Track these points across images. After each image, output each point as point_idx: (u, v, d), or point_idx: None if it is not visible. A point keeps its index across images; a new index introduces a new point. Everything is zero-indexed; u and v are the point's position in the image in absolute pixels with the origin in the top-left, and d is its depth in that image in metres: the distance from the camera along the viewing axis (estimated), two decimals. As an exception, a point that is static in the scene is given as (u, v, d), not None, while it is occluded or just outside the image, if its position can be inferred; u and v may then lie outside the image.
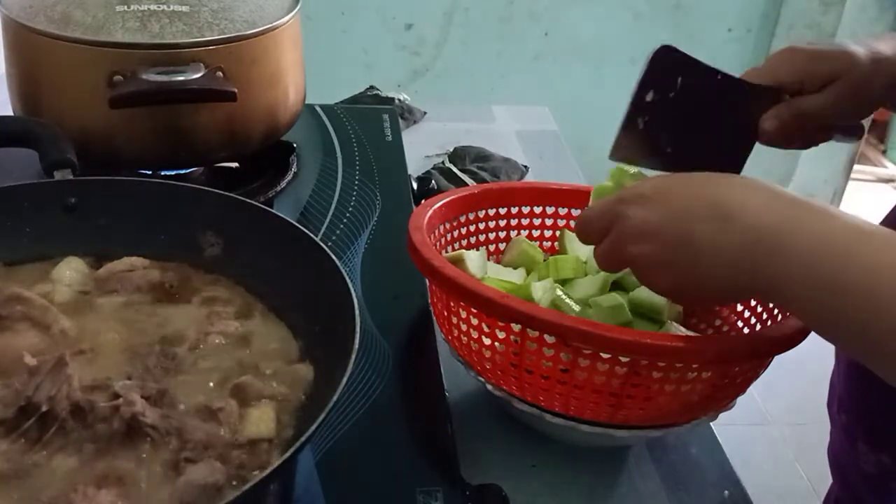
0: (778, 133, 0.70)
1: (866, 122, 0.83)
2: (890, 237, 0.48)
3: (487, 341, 0.67)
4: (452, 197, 0.81)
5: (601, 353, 0.61)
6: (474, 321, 0.66)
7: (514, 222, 0.86)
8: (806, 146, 0.73)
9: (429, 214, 0.75)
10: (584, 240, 0.63)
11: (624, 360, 0.61)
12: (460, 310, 0.67)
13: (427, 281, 0.75)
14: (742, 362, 0.64)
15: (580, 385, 0.63)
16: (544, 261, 0.80)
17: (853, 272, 0.47)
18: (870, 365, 0.49)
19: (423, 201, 0.78)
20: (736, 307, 0.76)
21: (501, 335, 0.65)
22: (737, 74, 0.70)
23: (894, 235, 0.48)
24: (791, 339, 0.63)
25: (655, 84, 0.63)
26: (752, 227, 0.52)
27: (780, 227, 0.51)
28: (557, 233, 0.86)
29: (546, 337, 0.62)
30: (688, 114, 0.66)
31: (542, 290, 0.75)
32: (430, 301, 0.76)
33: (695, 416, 0.67)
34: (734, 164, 0.72)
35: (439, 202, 0.78)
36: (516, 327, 0.63)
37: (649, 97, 0.62)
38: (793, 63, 0.70)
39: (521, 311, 0.61)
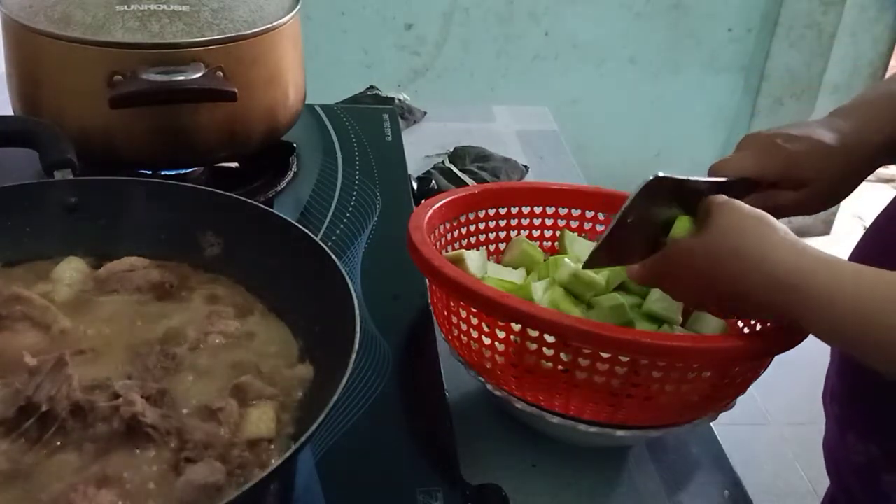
0: None
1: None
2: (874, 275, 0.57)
3: (487, 341, 0.67)
4: (452, 197, 0.81)
5: (601, 353, 0.61)
6: (474, 321, 0.66)
7: (514, 222, 0.86)
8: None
9: (429, 214, 0.75)
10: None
11: (624, 359, 0.61)
12: (460, 309, 0.67)
13: (427, 281, 0.75)
14: (741, 362, 0.64)
15: (580, 385, 0.63)
16: (544, 261, 0.80)
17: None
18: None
19: (423, 201, 0.78)
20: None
21: (501, 335, 0.65)
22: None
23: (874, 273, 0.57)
24: (789, 340, 0.63)
25: (639, 209, 0.64)
26: (772, 277, 0.59)
27: (799, 279, 0.58)
28: (557, 233, 0.86)
29: (546, 336, 0.62)
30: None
31: (542, 290, 0.75)
32: (430, 301, 0.76)
33: (695, 416, 0.67)
34: None
35: (439, 202, 0.78)
36: (516, 327, 0.63)
37: (630, 219, 0.64)
38: (769, 162, 0.72)
39: (522, 311, 0.62)
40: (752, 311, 0.66)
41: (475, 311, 0.66)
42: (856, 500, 0.80)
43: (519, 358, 0.65)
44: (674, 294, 0.67)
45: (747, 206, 0.63)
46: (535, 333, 0.62)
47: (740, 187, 0.71)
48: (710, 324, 0.75)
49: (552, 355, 0.63)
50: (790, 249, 0.59)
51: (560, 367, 0.63)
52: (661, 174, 0.63)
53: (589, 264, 0.66)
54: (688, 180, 0.66)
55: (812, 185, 0.72)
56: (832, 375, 0.83)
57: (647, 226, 0.66)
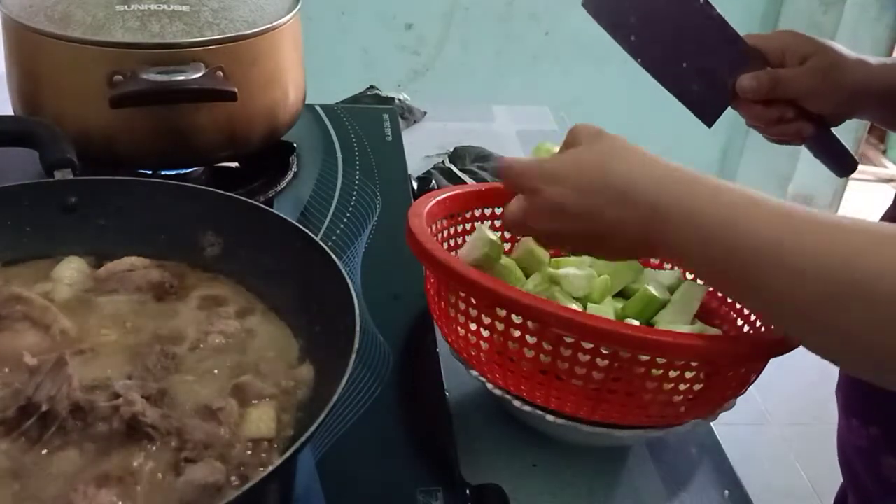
0: (753, 94, 0.77)
1: (864, 128, 0.88)
2: (775, 208, 0.52)
3: (474, 327, 0.67)
4: (457, 192, 0.81)
5: (582, 343, 0.61)
6: (462, 306, 0.66)
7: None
8: (783, 140, 0.81)
9: (430, 205, 0.75)
10: (505, 184, 0.65)
11: (606, 352, 0.61)
12: (449, 295, 0.67)
13: (424, 271, 0.75)
14: (727, 364, 0.64)
15: (562, 376, 0.63)
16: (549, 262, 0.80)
17: (738, 240, 0.52)
18: (764, 316, 0.57)
19: (426, 193, 0.79)
20: (741, 310, 0.76)
21: (487, 321, 0.65)
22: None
23: (779, 206, 0.53)
24: (777, 346, 0.62)
25: None
26: (648, 203, 0.56)
27: (673, 203, 0.55)
28: None
29: (529, 324, 0.62)
30: (665, 21, 0.69)
31: (532, 284, 0.75)
32: (425, 288, 0.76)
33: (681, 417, 0.67)
34: (707, 114, 0.75)
35: (443, 195, 0.78)
36: (501, 313, 0.63)
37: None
38: (780, 37, 0.81)
39: (506, 296, 0.61)
40: (615, 222, 0.59)
41: (463, 295, 0.66)
42: (863, 491, 0.80)
43: (503, 346, 0.65)
44: (544, 235, 0.64)
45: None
46: (518, 320, 0.62)
47: (744, 56, 0.77)
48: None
49: (534, 343, 0.63)
50: (682, 167, 0.58)
51: (542, 356, 0.63)
52: None
53: (586, 2, 0.67)
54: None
55: (811, 59, 0.78)
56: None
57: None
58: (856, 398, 0.80)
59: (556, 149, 0.68)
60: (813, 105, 0.79)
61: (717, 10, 0.72)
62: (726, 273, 0.54)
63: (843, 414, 0.82)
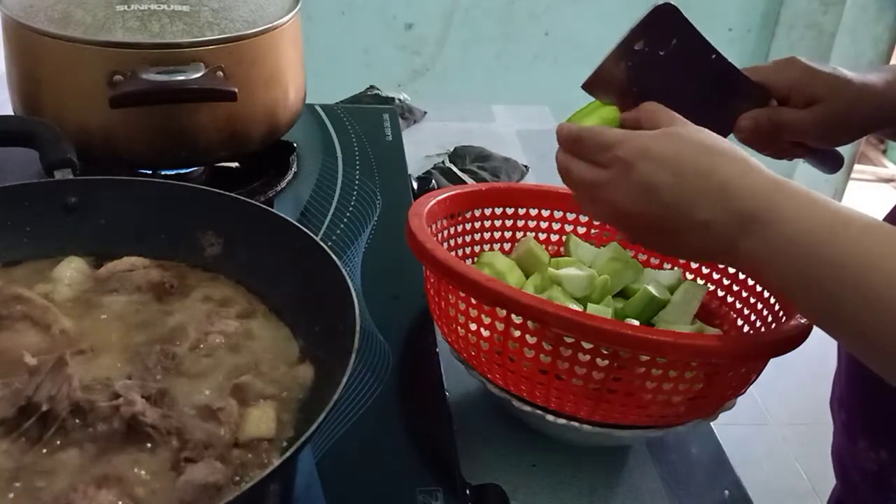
0: (751, 135, 0.72)
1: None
2: (865, 225, 0.51)
3: (474, 327, 0.67)
4: (457, 191, 0.81)
5: (582, 343, 0.61)
6: (462, 306, 0.66)
7: (520, 223, 0.86)
8: (778, 157, 0.76)
9: (430, 204, 0.75)
10: (573, 150, 0.62)
11: (606, 351, 0.61)
12: (449, 295, 0.67)
13: (424, 270, 0.75)
14: (727, 364, 0.63)
15: (562, 376, 0.63)
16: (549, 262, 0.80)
17: (831, 254, 0.50)
18: (841, 338, 0.53)
19: (426, 193, 0.79)
20: (741, 310, 0.76)
21: (487, 320, 0.65)
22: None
23: (870, 223, 0.51)
24: (777, 346, 0.62)
25: (648, 36, 0.63)
26: (745, 210, 0.54)
27: (766, 212, 0.53)
28: (564, 237, 0.86)
29: (529, 324, 0.62)
30: (671, 78, 0.66)
31: (532, 284, 0.75)
32: (425, 288, 0.76)
33: (682, 418, 0.67)
34: None
35: (443, 195, 0.78)
36: (501, 312, 0.63)
37: (638, 46, 0.63)
38: (787, 71, 0.73)
39: (505, 295, 0.61)
40: (705, 218, 0.56)
41: (463, 295, 0.66)
42: (864, 501, 0.80)
43: (503, 345, 0.65)
44: (623, 214, 0.60)
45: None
46: (518, 320, 0.62)
47: (749, 94, 0.72)
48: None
49: (535, 343, 0.63)
50: (761, 173, 0.55)
51: (542, 356, 0.63)
52: (674, 4, 0.64)
53: (587, 85, 0.64)
54: (700, 33, 0.66)
55: (820, 104, 0.72)
56: (840, 381, 0.82)
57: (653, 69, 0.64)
58: (863, 418, 0.78)
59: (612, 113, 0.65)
60: (816, 143, 0.76)
61: (724, 56, 0.70)
62: (815, 292, 0.52)
63: (846, 433, 0.81)
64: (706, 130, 0.59)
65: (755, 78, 0.73)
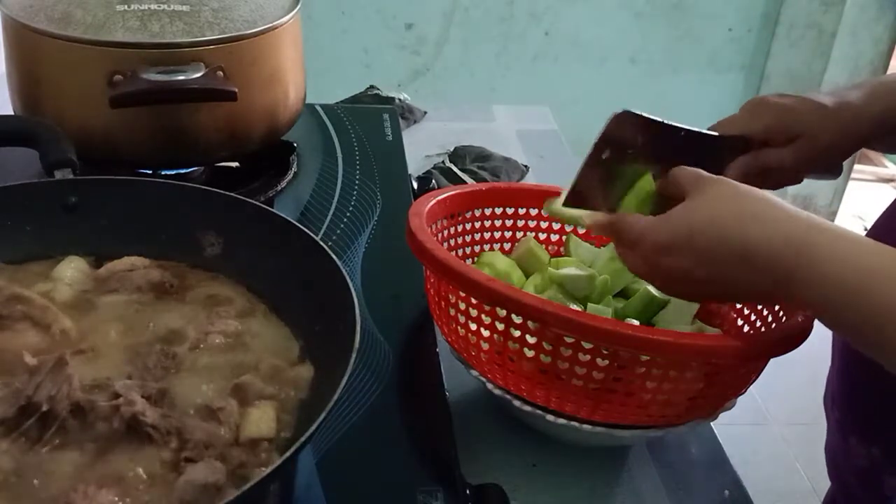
0: (743, 180, 0.71)
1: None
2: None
3: (474, 327, 0.67)
4: (458, 191, 0.81)
5: (582, 343, 0.61)
6: (462, 306, 0.66)
7: (520, 223, 0.86)
8: (778, 188, 0.75)
9: (430, 204, 0.75)
10: (617, 240, 0.64)
11: (606, 351, 0.61)
12: (449, 294, 0.67)
13: (424, 270, 0.75)
14: (727, 364, 0.63)
15: (561, 376, 0.63)
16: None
17: (871, 308, 0.51)
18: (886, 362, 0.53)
19: (427, 192, 0.79)
20: (741, 310, 0.76)
21: (487, 320, 0.65)
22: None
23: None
24: (777, 346, 0.62)
25: (612, 145, 0.65)
26: (773, 268, 0.55)
27: (802, 269, 0.54)
28: (564, 237, 0.86)
29: (529, 324, 0.62)
30: (650, 162, 0.67)
31: (532, 286, 0.75)
32: (425, 288, 0.76)
33: (682, 418, 0.67)
34: None
35: (444, 194, 0.78)
36: (501, 312, 0.63)
37: (605, 156, 0.65)
38: (760, 117, 0.73)
39: (506, 295, 0.61)
40: (745, 286, 0.58)
41: (463, 295, 0.66)
42: (857, 501, 0.80)
43: (503, 346, 0.65)
44: (667, 275, 0.60)
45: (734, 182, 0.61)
46: (518, 320, 0.62)
47: (730, 146, 0.72)
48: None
49: (535, 343, 0.63)
50: (797, 217, 0.56)
51: (542, 356, 0.63)
52: (631, 110, 0.65)
53: (569, 202, 0.66)
54: (663, 123, 0.67)
55: (798, 140, 0.72)
56: (833, 379, 0.83)
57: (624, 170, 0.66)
58: (855, 416, 0.79)
59: (564, 206, 0.67)
60: (806, 174, 0.77)
61: (694, 129, 0.71)
62: (861, 334, 0.54)
63: (838, 431, 0.81)
64: (723, 183, 0.60)
65: (732, 131, 0.73)
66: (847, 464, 0.79)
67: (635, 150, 0.66)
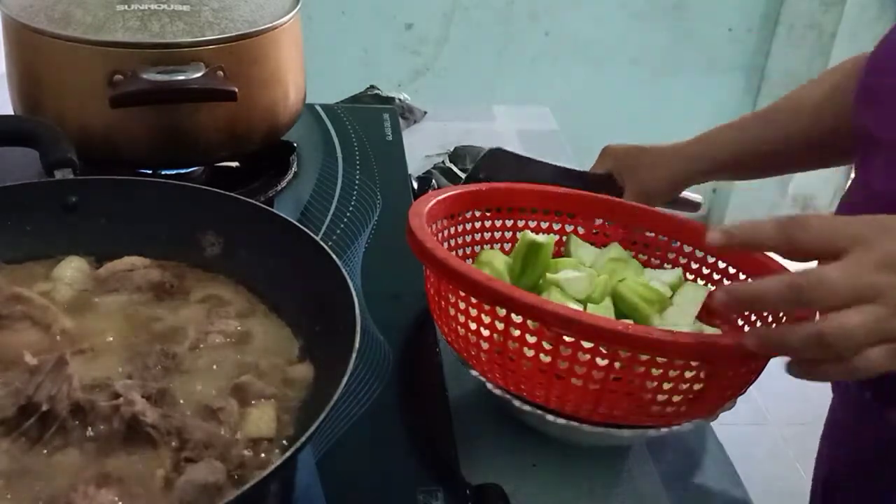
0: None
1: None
2: None
3: (474, 327, 0.67)
4: (458, 191, 0.81)
5: (583, 343, 0.61)
6: (462, 306, 0.66)
7: (520, 223, 0.86)
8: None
9: (430, 204, 0.75)
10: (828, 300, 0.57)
11: (606, 351, 0.61)
12: (449, 294, 0.67)
13: (424, 270, 0.75)
14: (727, 364, 0.63)
15: (561, 375, 0.63)
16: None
17: None
18: None
19: (427, 192, 0.79)
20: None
21: (487, 320, 0.65)
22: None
23: None
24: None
25: (486, 170, 0.92)
26: None
27: None
28: (564, 237, 0.86)
29: (529, 323, 0.62)
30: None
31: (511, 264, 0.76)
32: (425, 288, 0.76)
33: (682, 418, 0.67)
34: None
35: (444, 194, 0.78)
36: (501, 312, 0.63)
37: (482, 175, 0.92)
38: (604, 161, 0.97)
39: (506, 294, 0.61)
40: None
41: (463, 294, 0.66)
42: (869, 478, 0.79)
43: (503, 345, 0.65)
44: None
45: None
46: (518, 319, 0.62)
47: (595, 182, 0.94)
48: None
49: (535, 342, 0.63)
50: None
51: (542, 356, 0.63)
52: (503, 148, 0.96)
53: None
54: (529, 158, 0.93)
55: (628, 181, 0.93)
56: None
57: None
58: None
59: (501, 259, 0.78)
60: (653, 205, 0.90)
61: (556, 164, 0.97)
62: None
63: (868, 407, 0.79)
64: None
65: (599, 170, 0.96)
66: (871, 438, 0.78)
67: (507, 177, 0.85)
